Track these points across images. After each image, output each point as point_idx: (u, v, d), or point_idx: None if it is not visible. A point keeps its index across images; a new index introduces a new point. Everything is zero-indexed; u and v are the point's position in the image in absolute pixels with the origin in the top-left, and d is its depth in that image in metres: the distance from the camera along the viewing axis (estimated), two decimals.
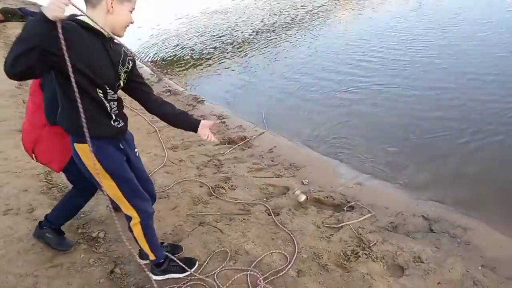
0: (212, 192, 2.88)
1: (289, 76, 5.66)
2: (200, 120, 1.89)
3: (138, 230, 1.88)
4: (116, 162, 1.71)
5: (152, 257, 1.99)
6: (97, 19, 1.47)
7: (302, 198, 2.62)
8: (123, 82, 1.69)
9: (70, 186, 3.04)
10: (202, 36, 8.80)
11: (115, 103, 1.67)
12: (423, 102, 4.23)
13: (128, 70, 1.70)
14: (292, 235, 2.38)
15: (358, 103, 4.46)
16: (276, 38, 7.79)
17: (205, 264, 2.18)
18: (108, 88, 1.58)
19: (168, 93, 5.36)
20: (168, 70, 6.96)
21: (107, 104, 1.61)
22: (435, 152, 3.37)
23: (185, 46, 8.23)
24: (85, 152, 1.61)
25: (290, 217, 2.58)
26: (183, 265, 2.05)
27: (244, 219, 2.57)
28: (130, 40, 8.68)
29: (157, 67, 7.23)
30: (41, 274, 2.11)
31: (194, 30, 9.42)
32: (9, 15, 8.94)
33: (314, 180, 3.08)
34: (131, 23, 1.59)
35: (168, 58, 7.65)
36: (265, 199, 2.81)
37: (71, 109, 1.52)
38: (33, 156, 2.10)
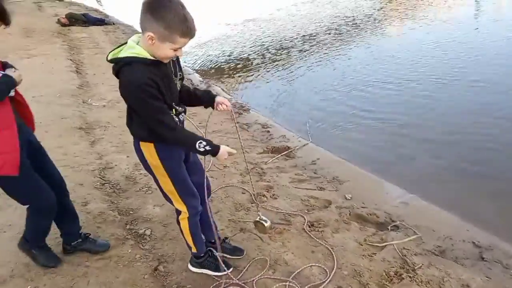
0: (255, 200, 2.92)
1: (335, 88, 5.61)
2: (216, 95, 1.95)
3: (185, 224, 2.01)
4: (175, 162, 1.83)
5: (194, 249, 2.12)
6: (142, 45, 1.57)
7: (267, 223, 2.17)
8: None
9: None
10: (248, 43, 8.93)
11: (183, 115, 1.82)
12: (482, 126, 4.02)
13: (182, 77, 1.81)
14: (332, 250, 2.36)
15: (409, 121, 4.34)
16: (323, 48, 7.76)
17: (244, 270, 2.21)
18: (174, 104, 1.71)
19: None
20: (215, 76, 7.14)
21: (176, 119, 1.73)
22: (490, 177, 3.20)
23: (231, 52, 8.39)
24: (148, 149, 1.75)
25: (331, 231, 2.56)
26: (221, 265, 2.11)
27: (284, 229, 2.58)
28: None
29: (204, 73, 7.44)
30: (91, 265, 2.24)
31: (240, 37, 9.57)
32: (74, 19, 9.64)
33: (357, 196, 3.03)
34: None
35: (215, 64, 7.84)
36: (306, 211, 2.80)
37: (144, 122, 1.67)
38: None
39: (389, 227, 2.61)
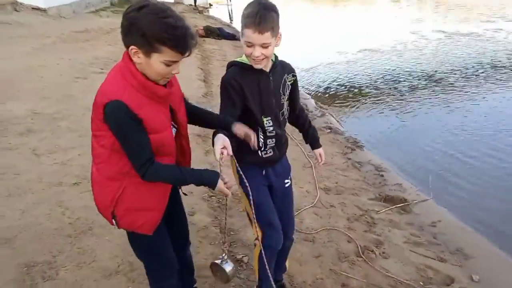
0: (361, 253, 2.63)
1: (466, 136, 4.97)
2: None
3: (257, 251, 1.87)
4: (252, 184, 1.65)
5: (258, 279, 1.98)
6: None
7: (229, 269, 1.67)
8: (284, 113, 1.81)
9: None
10: (362, 73, 8.55)
11: (273, 139, 1.77)
12: None
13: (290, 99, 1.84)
14: None
15: None
16: (451, 88, 7.02)
17: None
18: (265, 118, 1.73)
19: (329, 131, 5.31)
20: (328, 104, 6.93)
21: (261, 138, 1.74)
22: None
23: (343, 81, 8.11)
24: (233, 167, 1.73)
25: None
26: None
27: None
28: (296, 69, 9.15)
29: (317, 99, 7.29)
30: None
31: (353, 66, 9.24)
32: (209, 32, 10.49)
33: (488, 279, 2.52)
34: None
35: (327, 91, 7.64)
36: (421, 283, 2.41)
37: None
38: (114, 223, 1.52)
39: None
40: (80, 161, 3.51)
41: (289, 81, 1.79)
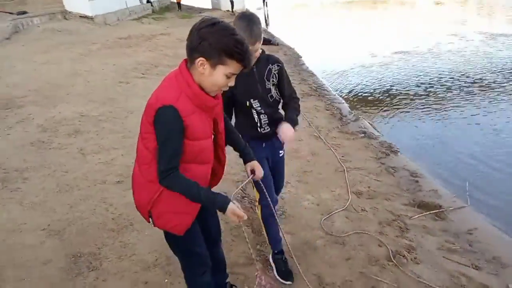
0: (392, 258, 2.63)
1: (506, 143, 4.76)
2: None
3: (259, 213, 2.35)
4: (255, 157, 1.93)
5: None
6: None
7: None
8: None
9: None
10: (397, 77, 8.38)
11: (265, 116, 2.15)
12: None
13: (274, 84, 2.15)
14: None
15: None
16: (492, 92, 6.73)
17: None
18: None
19: (363, 135, 5.27)
20: (361, 108, 6.86)
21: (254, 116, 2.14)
22: None
23: (378, 84, 7.98)
24: None
25: None
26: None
27: None
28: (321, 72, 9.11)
29: (349, 102, 7.23)
30: None
31: (391, 69, 9.06)
32: None
33: None
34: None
35: (360, 95, 7.55)
36: None
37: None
38: (151, 221, 1.65)
39: None
40: (122, 160, 3.73)
41: (274, 71, 2.12)
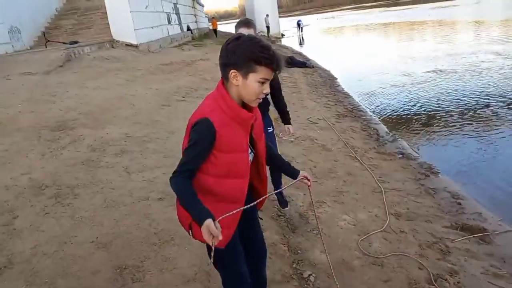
0: (433, 281, 2.56)
1: None
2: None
3: None
4: None
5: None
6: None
7: None
8: None
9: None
10: (434, 95, 8.18)
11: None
12: None
13: None
14: None
15: None
16: None
17: None
18: None
19: (401, 156, 5.19)
20: (398, 128, 6.73)
21: None
22: None
23: (414, 103, 7.83)
24: None
25: None
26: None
27: None
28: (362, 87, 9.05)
29: (385, 123, 7.12)
30: None
31: (428, 87, 8.86)
32: None
33: None
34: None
35: (396, 114, 7.42)
36: None
37: None
38: (190, 233, 1.70)
39: None
40: (164, 179, 3.90)
41: None
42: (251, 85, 1.51)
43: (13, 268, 2.60)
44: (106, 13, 14.21)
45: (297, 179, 1.83)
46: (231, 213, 1.54)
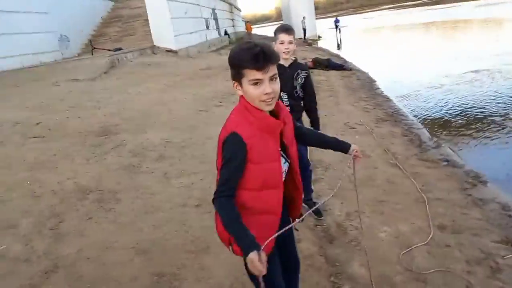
0: None
1: None
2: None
3: None
4: None
5: None
6: None
7: None
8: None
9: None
10: (479, 97, 7.73)
11: (288, 106, 2.77)
12: None
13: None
14: None
15: None
16: None
17: None
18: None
19: (445, 163, 4.93)
20: (442, 133, 6.40)
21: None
22: None
23: (461, 106, 7.44)
24: None
25: None
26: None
27: None
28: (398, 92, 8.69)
29: (431, 128, 6.79)
30: None
31: (475, 90, 8.37)
32: (318, 63, 10.79)
33: None
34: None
35: (439, 118, 7.06)
36: None
37: None
38: (230, 249, 1.70)
39: None
40: (201, 184, 3.96)
41: (302, 75, 2.99)
42: (248, 90, 1.50)
43: (58, 272, 2.73)
44: (147, 20, 14.73)
45: (350, 155, 1.89)
46: (273, 237, 1.52)
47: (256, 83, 1.46)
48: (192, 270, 2.71)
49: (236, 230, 1.46)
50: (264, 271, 1.36)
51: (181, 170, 4.41)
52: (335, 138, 1.95)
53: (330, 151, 2.00)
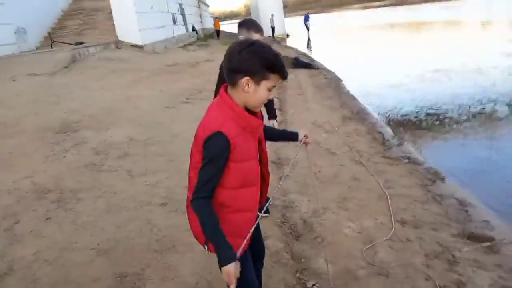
0: None
1: None
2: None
3: None
4: None
5: None
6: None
7: None
8: None
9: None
10: (439, 96, 8.08)
11: None
12: None
13: None
14: None
15: None
16: None
17: None
18: None
19: (407, 161, 5.11)
20: (406, 132, 6.63)
21: None
22: None
23: (425, 107, 7.70)
24: None
25: None
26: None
27: None
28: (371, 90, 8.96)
29: (395, 126, 7.02)
30: None
31: (433, 89, 8.76)
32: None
33: None
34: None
35: (401, 118, 7.32)
36: None
37: None
38: (206, 248, 1.65)
39: None
40: (167, 183, 3.88)
41: None
42: (261, 92, 1.49)
43: (14, 275, 2.58)
44: (111, 13, 14.25)
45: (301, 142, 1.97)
46: (246, 238, 1.55)
47: (270, 89, 1.51)
48: (157, 270, 2.64)
49: (216, 238, 1.45)
50: (234, 285, 1.41)
51: (146, 168, 4.29)
52: (283, 129, 2.11)
53: (295, 147, 2.02)
